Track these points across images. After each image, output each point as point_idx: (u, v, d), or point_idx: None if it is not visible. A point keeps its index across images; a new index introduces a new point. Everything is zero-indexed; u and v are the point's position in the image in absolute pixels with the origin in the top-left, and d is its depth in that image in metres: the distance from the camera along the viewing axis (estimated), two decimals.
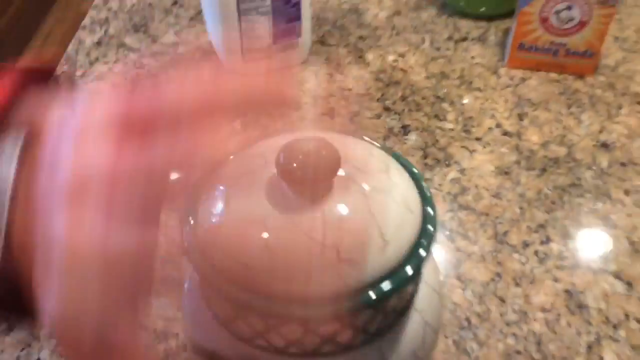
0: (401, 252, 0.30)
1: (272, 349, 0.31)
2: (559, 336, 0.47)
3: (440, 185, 0.58)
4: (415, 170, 0.34)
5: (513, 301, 0.49)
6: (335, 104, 0.67)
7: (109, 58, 0.74)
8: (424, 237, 0.31)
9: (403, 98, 0.67)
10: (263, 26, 0.65)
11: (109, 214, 0.22)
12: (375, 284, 0.29)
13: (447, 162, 0.60)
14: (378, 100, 0.67)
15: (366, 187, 0.31)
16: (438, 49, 0.73)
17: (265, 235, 0.29)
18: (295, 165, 0.29)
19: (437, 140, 0.63)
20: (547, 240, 0.54)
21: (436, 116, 0.65)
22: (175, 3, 0.83)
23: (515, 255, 0.52)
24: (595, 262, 0.52)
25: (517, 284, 0.51)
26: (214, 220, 0.30)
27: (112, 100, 0.24)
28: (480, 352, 0.46)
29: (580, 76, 0.69)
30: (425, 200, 0.32)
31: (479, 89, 0.68)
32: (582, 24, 0.65)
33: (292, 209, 0.29)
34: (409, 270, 0.30)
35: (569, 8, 0.64)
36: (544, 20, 0.66)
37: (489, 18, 0.77)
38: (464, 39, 0.75)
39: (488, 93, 0.68)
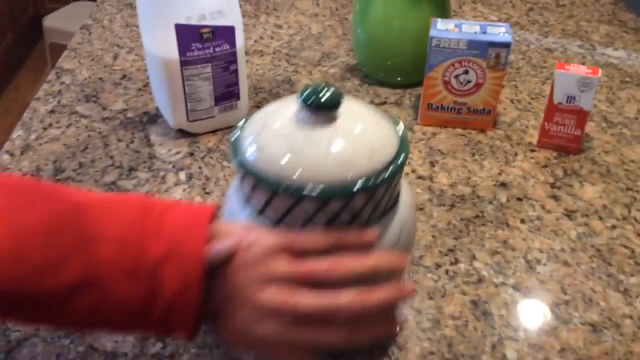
0: (383, 161, 0.44)
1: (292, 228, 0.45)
2: (467, 339, 0.54)
3: None
4: (397, 119, 0.50)
5: (427, 311, 0.56)
6: None
7: (61, 124, 0.81)
8: (403, 151, 0.46)
9: None
10: (205, 90, 0.74)
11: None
12: (366, 178, 0.43)
13: None
14: None
15: (360, 119, 0.47)
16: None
17: (290, 143, 0.44)
18: (312, 97, 0.44)
19: None
20: (456, 261, 0.61)
21: None
22: (124, 77, 0.91)
23: (429, 275, 0.60)
24: (497, 277, 0.60)
25: (430, 298, 0.58)
26: (256, 135, 0.46)
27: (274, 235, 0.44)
28: (400, 354, 0.52)
29: (482, 130, 0.81)
30: (402, 137, 0.47)
31: None
32: (478, 86, 0.77)
33: (308, 128, 0.45)
34: (385, 173, 0.44)
35: (466, 72, 0.76)
36: (446, 84, 0.78)
37: (404, 86, 0.89)
38: (384, 103, 0.86)
39: None
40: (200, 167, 0.72)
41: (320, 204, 0.43)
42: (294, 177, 0.43)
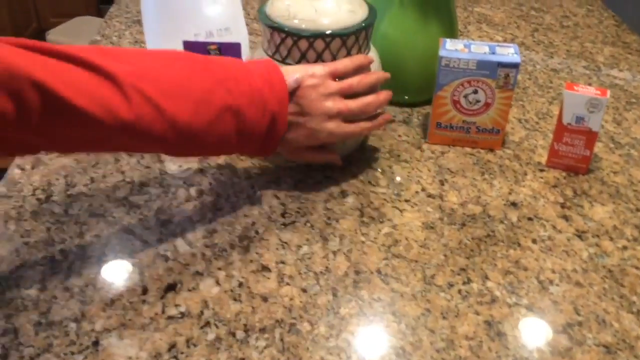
0: (361, 19, 0.70)
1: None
2: (482, 359, 0.54)
3: (375, 238, 0.66)
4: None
5: (441, 332, 0.56)
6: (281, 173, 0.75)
7: None
8: (371, 16, 0.72)
9: (341, 169, 0.76)
10: None
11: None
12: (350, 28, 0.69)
13: (380, 220, 0.69)
14: (319, 170, 0.76)
15: None
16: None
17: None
18: None
19: (371, 202, 0.71)
20: (468, 281, 0.61)
21: (370, 182, 0.74)
22: None
23: (442, 294, 0.60)
24: (510, 297, 0.60)
25: (444, 318, 0.58)
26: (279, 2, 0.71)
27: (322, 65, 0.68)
28: None
29: (491, 149, 0.81)
30: (371, 7, 0.74)
31: (405, 161, 0.78)
32: (487, 105, 0.78)
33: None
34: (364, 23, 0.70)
35: (475, 92, 0.77)
36: (456, 103, 0.78)
37: (412, 105, 0.90)
38: (392, 121, 0.86)
39: (414, 164, 0.78)
40: (210, 184, 0.72)
41: (326, 44, 0.68)
42: (306, 27, 0.68)
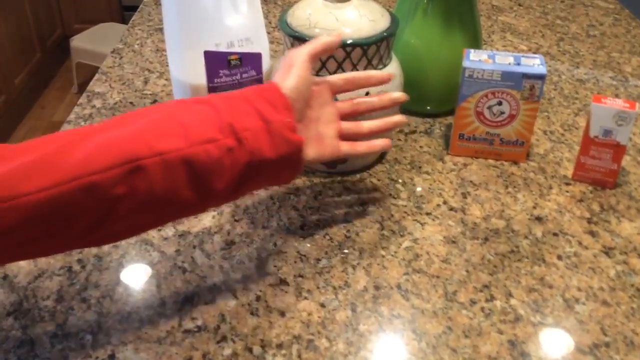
0: (383, 28, 0.70)
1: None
2: None
3: (395, 252, 0.65)
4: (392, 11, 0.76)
5: (463, 351, 0.55)
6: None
7: None
8: (393, 26, 0.71)
9: (362, 180, 0.75)
10: None
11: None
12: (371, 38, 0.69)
13: (401, 233, 0.67)
14: (339, 182, 0.75)
15: (365, 5, 0.71)
16: (391, 139, 0.83)
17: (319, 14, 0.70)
18: None
19: (392, 215, 0.70)
20: (492, 298, 0.60)
21: (390, 195, 0.73)
22: (154, 101, 0.92)
23: (464, 311, 0.58)
24: (534, 316, 0.58)
25: (466, 336, 0.56)
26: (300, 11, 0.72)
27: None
28: None
29: (515, 162, 0.79)
30: (394, 16, 0.73)
31: (427, 173, 0.77)
32: (511, 117, 0.76)
33: (332, 8, 0.70)
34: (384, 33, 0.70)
35: (499, 103, 0.75)
36: (479, 114, 0.77)
37: (434, 115, 0.88)
38: (413, 132, 0.85)
39: (435, 176, 0.77)
40: None
41: (347, 53, 0.68)
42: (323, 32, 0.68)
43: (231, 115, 0.51)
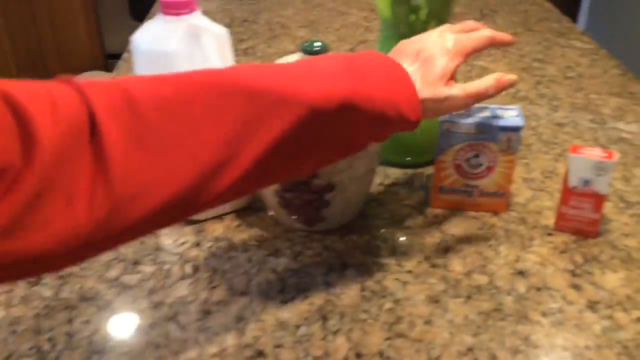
0: None
1: None
2: None
3: (377, 315, 0.63)
4: None
5: None
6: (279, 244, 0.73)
7: None
8: None
9: (341, 238, 0.74)
10: None
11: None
12: None
13: (382, 294, 0.66)
14: (318, 240, 0.74)
15: None
16: (371, 193, 0.82)
17: None
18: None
19: (373, 274, 0.69)
20: None
21: (371, 252, 0.72)
22: None
23: None
24: None
25: None
26: None
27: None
28: None
29: (495, 213, 0.78)
30: None
31: (408, 227, 0.76)
32: (489, 169, 0.76)
33: None
34: None
35: (476, 156, 0.75)
36: (457, 167, 0.76)
37: (414, 166, 0.88)
38: (394, 184, 0.84)
39: (416, 230, 0.76)
40: (206, 258, 0.70)
41: None
42: None
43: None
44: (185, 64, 0.68)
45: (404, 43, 0.62)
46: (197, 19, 0.65)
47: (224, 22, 1.36)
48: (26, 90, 0.40)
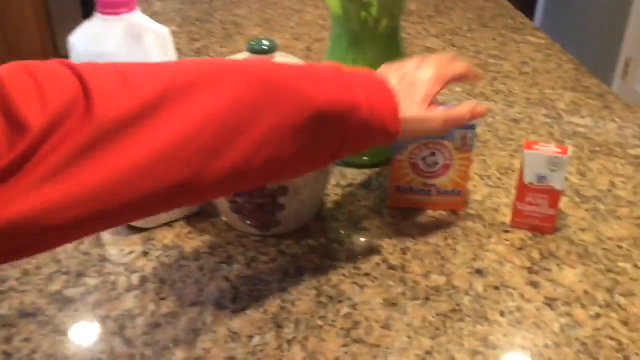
0: None
1: None
2: None
3: (333, 321, 0.61)
4: None
5: None
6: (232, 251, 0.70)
7: None
8: None
9: (297, 242, 0.72)
10: None
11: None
12: None
13: (339, 299, 0.64)
14: (273, 245, 0.71)
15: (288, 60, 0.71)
16: (327, 195, 0.80)
17: None
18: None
19: (329, 279, 0.67)
20: None
21: (327, 256, 0.70)
22: None
23: None
24: None
25: None
26: None
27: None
28: None
29: (453, 211, 0.77)
30: None
31: (365, 229, 0.74)
32: (446, 167, 0.74)
33: None
34: None
35: (432, 154, 0.74)
36: (414, 166, 0.75)
37: (371, 166, 0.86)
38: (350, 185, 0.83)
39: (374, 232, 0.74)
40: (154, 268, 0.67)
41: None
42: None
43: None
44: None
45: (387, 66, 0.64)
46: (137, 18, 0.62)
47: (176, 22, 1.32)
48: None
